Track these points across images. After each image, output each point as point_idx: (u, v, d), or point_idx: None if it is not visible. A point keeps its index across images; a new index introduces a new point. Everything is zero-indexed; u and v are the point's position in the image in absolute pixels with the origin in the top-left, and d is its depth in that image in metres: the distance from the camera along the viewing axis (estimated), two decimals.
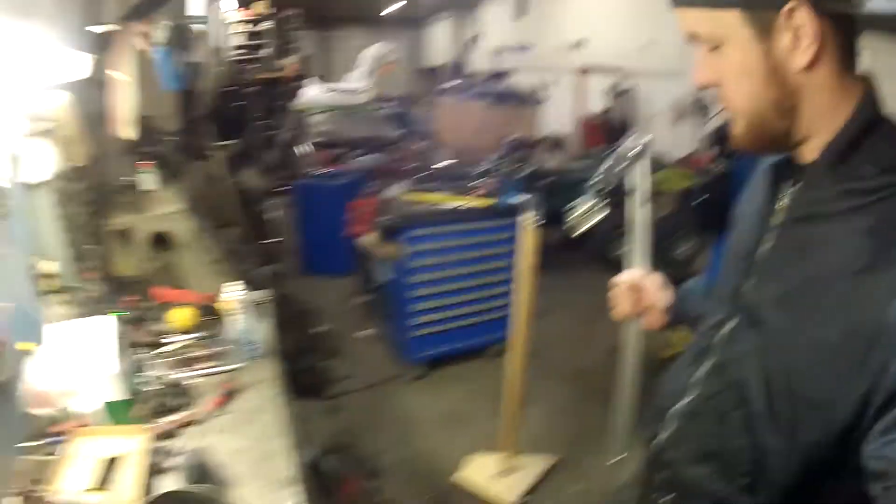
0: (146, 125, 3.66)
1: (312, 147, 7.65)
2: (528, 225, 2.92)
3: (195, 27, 5.78)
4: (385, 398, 4.22)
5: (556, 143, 9.68)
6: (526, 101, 9.43)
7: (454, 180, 5.23)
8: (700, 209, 4.82)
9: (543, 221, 3.01)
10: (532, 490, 3.23)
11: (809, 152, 0.98)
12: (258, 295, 2.66)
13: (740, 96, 0.96)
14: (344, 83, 9.51)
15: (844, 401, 0.86)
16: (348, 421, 3.88)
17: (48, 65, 2.16)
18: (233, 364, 2.14)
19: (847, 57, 0.94)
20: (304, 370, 4.15)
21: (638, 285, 1.48)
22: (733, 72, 0.95)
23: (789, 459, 0.98)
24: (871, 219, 0.87)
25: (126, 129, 2.42)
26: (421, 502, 3.24)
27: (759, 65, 0.93)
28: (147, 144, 3.50)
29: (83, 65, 2.36)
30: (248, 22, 12.79)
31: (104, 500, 1.47)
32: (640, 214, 1.54)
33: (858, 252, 0.87)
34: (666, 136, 11.02)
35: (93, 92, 2.86)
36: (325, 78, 10.50)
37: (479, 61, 17.97)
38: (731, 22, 0.92)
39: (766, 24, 0.91)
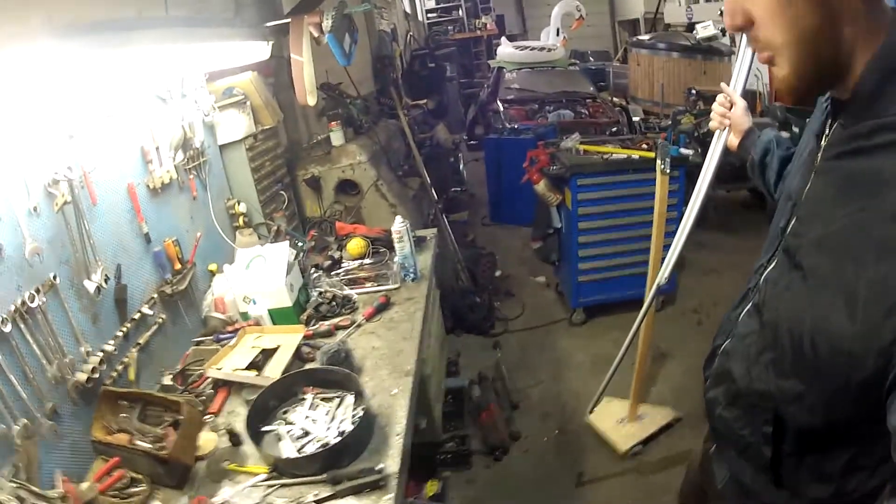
0: (336, 91, 4.24)
1: (506, 104, 7.94)
2: (660, 173, 2.90)
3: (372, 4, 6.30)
4: (544, 339, 4.47)
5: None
6: (718, 53, 9.05)
7: (639, 132, 5.25)
8: None
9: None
10: (647, 441, 3.31)
11: (846, 87, 0.93)
12: (425, 232, 3.15)
13: (784, 28, 0.89)
14: (536, 41, 9.70)
15: (867, 353, 0.82)
16: (506, 356, 4.20)
17: (235, 52, 2.74)
18: (390, 285, 2.60)
19: None
20: (472, 307, 4.56)
21: (730, 102, 1.82)
22: (773, 7, 0.89)
23: (810, 408, 0.98)
24: None
25: (307, 97, 2.94)
26: (548, 436, 3.46)
27: None
28: (336, 107, 4.07)
29: (264, 50, 2.94)
30: None
31: (251, 376, 1.96)
32: (748, 51, 1.77)
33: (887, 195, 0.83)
34: None
35: (280, 70, 3.47)
36: (518, 36, 10.73)
37: (675, 13, 17.11)
38: None
39: None
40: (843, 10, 0.87)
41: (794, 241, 1.01)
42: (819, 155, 1.00)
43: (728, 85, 1.84)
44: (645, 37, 10.82)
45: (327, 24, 2.90)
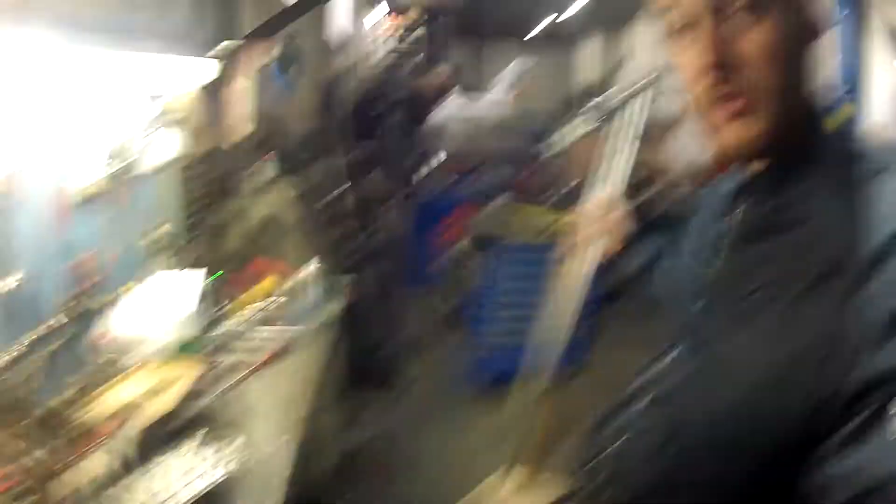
0: (274, 123, 4.24)
1: (446, 156, 8.02)
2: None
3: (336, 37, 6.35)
4: (442, 404, 4.41)
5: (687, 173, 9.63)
6: (663, 126, 9.41)
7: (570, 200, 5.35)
8: None
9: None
10: None
11: (757, 158, 0.92)
12: (338, 278, 3.15)
13: (774, 76, 0.84)
14: (486, 96, 9.88)
15: (794, 421, 0.78)
16: (398, 417, 4.11)
17: (178, 69, 2.73)
18: (298, 327, 2.58)
19: None
20: (372, 361, 4.51)
21: (605, 206, 1.55)
22: (769, 45, 0.83)
23: (728, 496, 0.91)
24: (825, 221, 0.81)
25: (243, 126, 2.96)
26: None
27: (796, 31, 0.86)
28: (272, 139, 4.06)
29: (210, 70, 2.92)
30: (400, 29, 13.38)
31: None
32: (629, 145, 1.59)
33: (808, 261, 0.80)
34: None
35: (218, 93, 3.46)
36: (471, 89, 10.88)
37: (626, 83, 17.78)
38: None
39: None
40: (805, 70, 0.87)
41: (699, 324, 0.98)
42: (728, 236, 0.97)
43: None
44: (590, 104, 11.08)
45: (277, 50, 2.91)
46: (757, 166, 0.92)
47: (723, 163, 0.96)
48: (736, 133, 0.86)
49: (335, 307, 2.87)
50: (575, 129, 1.77)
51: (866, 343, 0.70)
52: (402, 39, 13.02)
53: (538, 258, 4.25)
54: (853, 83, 4.51)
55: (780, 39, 0.83)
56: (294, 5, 3.12)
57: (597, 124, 1.69)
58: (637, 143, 1.59)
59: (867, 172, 0.80)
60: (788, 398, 0.78)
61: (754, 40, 0.83)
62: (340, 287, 3.10)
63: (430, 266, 6.17)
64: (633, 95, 1.63)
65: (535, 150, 8.87)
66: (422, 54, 12.86)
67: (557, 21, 19.28)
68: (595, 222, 1.55)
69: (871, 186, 0.78)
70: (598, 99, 1.70)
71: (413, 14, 13.27)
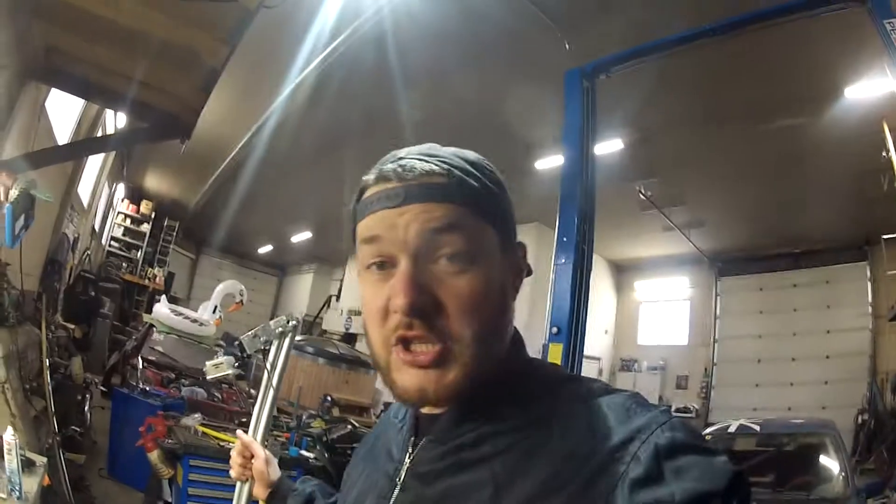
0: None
1: (147, 363, 7.79)
2: None
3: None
4: None
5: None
6: (364, 365, 10.07)
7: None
8: None
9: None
10: None
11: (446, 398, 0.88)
12: (38, 457, 2.94)
13: (478, 321, 0.84)
14: (193, 311, 9.88)
15: None
16: None
17: None
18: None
19: None
20: None
21: (250, 450, 1.53)
22: (477, 293, 0.84)
23: None
24: (514, 457, 0.82)
25: None
26: None
27: (500, 284, 0.88)
28: None
29: None
30: (130, 218, 13.14)
31: None
32: (271, 391, 1.72)
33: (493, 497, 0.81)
34: None
35: None
36: (181, 301, 10.80)
37: (334, 321, 18.78)
38: (490, 238, 0.88)
39: (509, 253, 0.91)
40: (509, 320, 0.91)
41: None
42: (403, 473, 0.94)
43: (247, 433, 1.64)
44: (298, 337, 11.48)
45: (14, 193, 2.83)
46: (437, 406, 0.91)
47: (403, 402, 0.91)
48: (424, 379, 0.84)
49: (32, 484, 2.68)
50: (218, 367, 1.86)
51: None
52: (127, 230, 12.76)
53: (224, 475, 4.31)
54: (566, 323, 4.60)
55: (486, 289, 0.84)
56: (60, 147, 3.14)
57: (238, 363, 1.82)
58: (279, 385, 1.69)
59: (581, 395, 0.85)
60: None
61: (458, 288, 0.83)
62: (37, 466, 2.91)
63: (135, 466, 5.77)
64: (274, 340, 1.78)
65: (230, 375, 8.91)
66: (142, 250, 12.68)
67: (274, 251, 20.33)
68: (238, 466, 1.54)
69: (591, 406, 0.83)
70: (243, 338, 1.81)
71: (144, 209, 13.15)
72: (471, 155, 0.92)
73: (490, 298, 0.85)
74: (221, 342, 10.65)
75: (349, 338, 15.49)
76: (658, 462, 0.73)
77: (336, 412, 6.78)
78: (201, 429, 4.65)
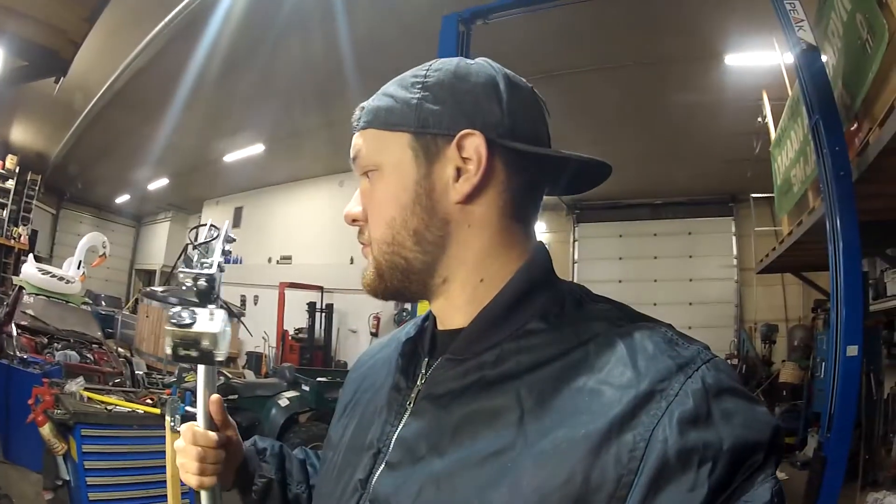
0: None
1: (21, 330, 7.21)
2: (169, 431, 2.54)
3: None
4: None
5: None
6: (229, 314, 9.83)
7: (142, 386, 5.28)
8: None
9: None
10: None
11: (456, 312, 0.89)
12: None
13: (381, 223, 0.89)
14: (58, 268, 9.29)
15: None
16: None
17: None
18: None
19: (517, 205, 0.89)
20: None
21: (203, 441, 1.13)
22: (381, 196, 0.90)
23: None
24: (540, 379, 0.78)
25: None
26: None
27: (410, 189, 0.87)
28: None
29: None
30: None
31: None
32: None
33: (516, 423, 0.76)
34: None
35: None
36: (45, 260, 10.13)
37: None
38: (397, 144, 0.88)
39: (432, 150, 0.87)
40: (456, 221, 0.87)
41: (389, 489, 0.83)
42: (414, 395, 0.90)
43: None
44: (158, 288, 11.08)
45: None
46: (453, 320, 0.90)
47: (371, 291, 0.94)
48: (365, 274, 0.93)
49: None
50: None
51: (623, 491, 0.67)
52: None
53: (121, 445, 4.10)
54: None
55: (389, 195, 0.89)
56: None
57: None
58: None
59: (616, 318, 0.82)
60: None
61: (369, 197, 0.92)
62: None
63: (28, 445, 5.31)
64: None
65: (101, 335, 8.49)
66: (6, 208, 11.72)
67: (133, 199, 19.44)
68: (196, 471, 1.11)
69: (628, 330, 0.79)
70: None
71: (9, 164, 12.12)
72: (409, 72, 0.94)
73: (396, 196, 0.87)
74: (87, 300, 10.09)
75: None
76: (707, 400, 0.69)
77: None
78: (86, 394, 4.37)
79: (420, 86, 0.89)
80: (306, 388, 7.57)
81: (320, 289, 13.33)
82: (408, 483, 0.80)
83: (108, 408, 4.19)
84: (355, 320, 13.89)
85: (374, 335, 13.50)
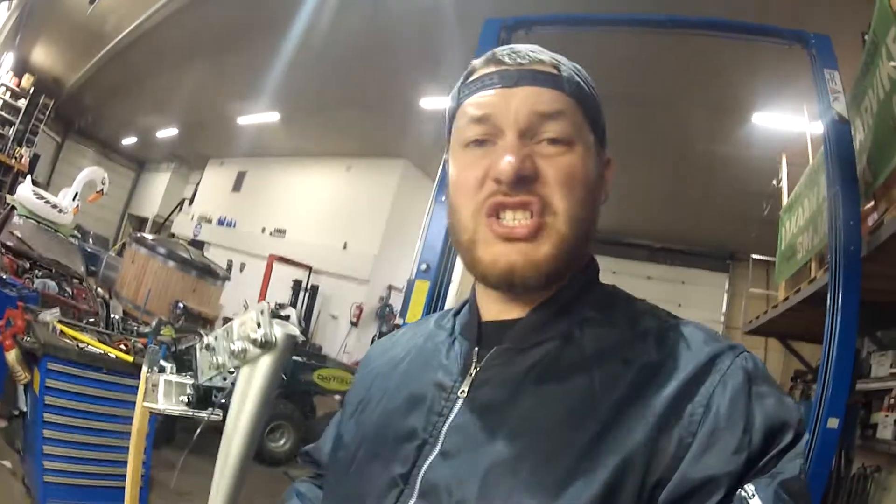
0: None
1: (5, 249, 7.14)
2: (142, 391, 2.39)
3: None
4: None
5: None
6: (213, 275, 9.85)
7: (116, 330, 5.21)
8: None
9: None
10: None
11: (517, 305, 0.91)
12: None
13: (575, 198, 0.86)
14: (54, 196, 9.23)
15: None
16: None
17: None
18: None
19: None
20: None
21: None
22: (580, 175, 0.87)
23: None
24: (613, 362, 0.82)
25: None
26: None
27: (594, 182, 0.90)
28: None
29: None
30: (10, 92, 12.16)
31: None
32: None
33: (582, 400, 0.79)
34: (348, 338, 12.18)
35: None
36: (42, 186, 10.08)
37: (184, 226, 18.42)
38: (589, 137, 0.91)
39: (600, 157, 0.94)
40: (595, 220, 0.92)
41: (449, 479, 0.81)
42: (465, 384, 0.89)
43: None
44: (149, 235, 11.08)
45: None
46: (513, 313, 0.91)
47: (485, 281, 0.89)
48: (514, 252, 0.84)
49: None
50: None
51: (683, 452, 0.73)
52: (5, 104, 11.69)
53: (87, 387, 4.00)
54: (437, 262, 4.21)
55: (583, 172, 0.87)
56: None
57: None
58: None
59: (660, 315, 0.89)
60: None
61: (559, 164, 0.85)
62: None
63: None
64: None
65: (84, 271, 8.43)
66: (14, 126, 11.65)
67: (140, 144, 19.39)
68: None
69: (675, 323, 0.86)
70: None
71: (25, 83, 12.04)
72: (581, 67, 0.96)
73: (586, 182, 0.88)
74: (76, 233, 10.02)
75: (197, 245, 15.04)
76: (750, 380, 0.78)
77: (184, 321, 6.42)
78: (60, 327, 4.29)
79: (595, 90, 0.95)
80: None
81: (309, 268, 13.26)
82: (471, 470, 0.80)
83: (80, 345, 4.08)
84: (338, 306, 13.85)
85: (354, 325, 13.51)
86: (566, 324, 0.87)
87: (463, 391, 0.88)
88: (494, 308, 0.93)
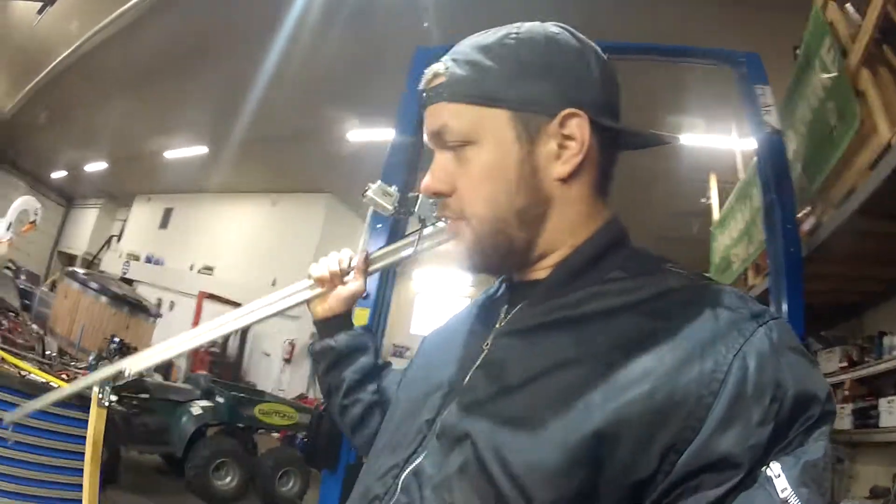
0: None
1: None
2: (96, 405, 2.22)
3: None
4: None
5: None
6: (145, 311, 9.69)
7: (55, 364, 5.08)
8: (303, 447, 4.98)
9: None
10: None
11: (542, 270, 0.94)
12: None
13: (481, 201, 0.90)
14: None
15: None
16: None
17: None
18: None
19: (604, 179, 0.95)
20: None
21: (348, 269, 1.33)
22: (479, 173, 0.90)
23: None
24: (627, 320, 0.80)
25: None
26: None
27: (513, 168, 0.88)
28: None
29: None
30: None
31: None
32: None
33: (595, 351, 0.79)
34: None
35: None
36: None
37: (113, 263, 17.98)
38: (495, 121, 0.89)
39: (533, 127, 0.88)
40: (557, 197, 0.90)
41: (458, 418, 0.85)
42: (491, 336, 0.93)
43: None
44: (80, 270, 10.83)
45: None
46: (537, 274, 0.95)
47: (467, 267, 0.98)
48: (458, 249, 0.96)
49: None
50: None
51: (702, 413, 0.71)
52: None
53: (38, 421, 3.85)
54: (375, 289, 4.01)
55: (488, 170, 0.89)
56: None
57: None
58: None
59: (690, 276, 0.86)
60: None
61: (455, 169, 0.92)
62: None
63: None
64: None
65: (17, 306, 8.11)
66: None
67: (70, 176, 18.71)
68: (327, 274, 1.36)
69: (705, 285, 0.83)
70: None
71: None
72: (491, 38, 0.92)
73: (497, 180, 0.89)
74: (10, 264, 9.63)
75: (127, 283, 14.67)
76: (777, 349, 0.74)
77: (118, 358, 6.23)
78: (1, 353, 4.11)
79: (514, 58, 0.89)
80: (220, 400, 7.37)
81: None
82: (482, 414, 0.83)
83: (22, 373, 3.92)
84: (270, 343, 13.63)
85: (288, 361, 13.29)
86: (588, 280, 0.88)
87: (487, 344, 0.92)
88: (523, 274, 0.97)
